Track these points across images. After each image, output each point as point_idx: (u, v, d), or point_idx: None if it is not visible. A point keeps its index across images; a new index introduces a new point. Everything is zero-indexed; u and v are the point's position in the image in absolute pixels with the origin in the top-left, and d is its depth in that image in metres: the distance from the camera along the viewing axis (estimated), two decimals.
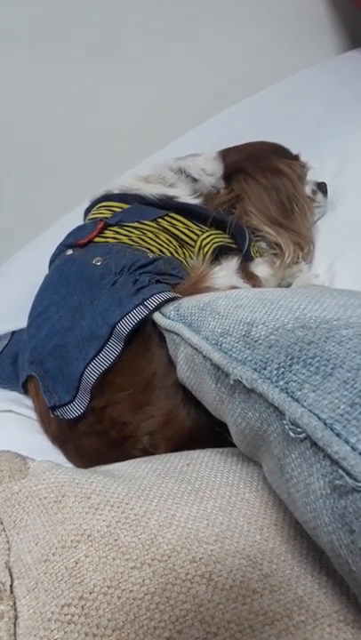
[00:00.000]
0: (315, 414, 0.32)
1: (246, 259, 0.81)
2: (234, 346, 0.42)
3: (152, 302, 0.57)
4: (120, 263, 0.67)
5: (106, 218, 0.79)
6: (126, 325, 0.57)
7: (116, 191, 0.87)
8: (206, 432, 0.57)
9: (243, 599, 0.36)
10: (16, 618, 0.37)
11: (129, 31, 1.24)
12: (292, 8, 1.43)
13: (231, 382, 0.40)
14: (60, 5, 1.13)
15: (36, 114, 1.18)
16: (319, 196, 0.95)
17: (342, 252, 0.86)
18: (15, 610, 0.37)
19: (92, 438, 0.59)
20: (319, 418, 0.32)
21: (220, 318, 0.47)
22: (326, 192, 0.96)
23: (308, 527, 0.35)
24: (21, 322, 0.81)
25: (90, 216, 0.85)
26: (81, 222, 0.88)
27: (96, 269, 0.67)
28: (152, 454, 0.57)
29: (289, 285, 0.85)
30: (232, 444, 0.50)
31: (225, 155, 0.92)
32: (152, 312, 0.57)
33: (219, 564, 0.37)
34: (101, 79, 1.24)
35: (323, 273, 0.84)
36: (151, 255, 0.71)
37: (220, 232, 0.82)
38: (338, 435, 0.30)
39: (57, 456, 0.65)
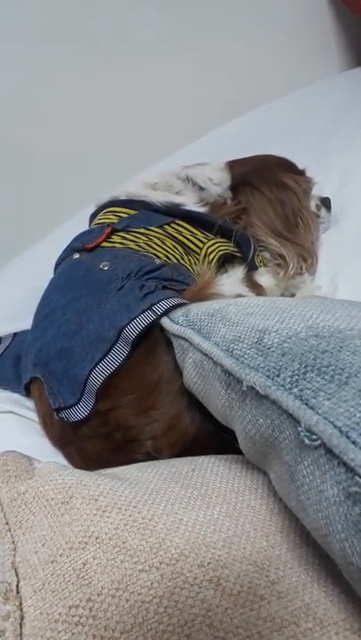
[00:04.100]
0: (330, 422, 0.32)
1: (251, 268, 0.82)
2: (246, 352, 0.43)
3: (160, 307, 0.58)
4: (127, 268, 0.67)
5: (113, 223, 0.80)
6: (134, 330, 0.57)
7: (123, 197, 0.87)
8: (210, 438, 0.57)
9: (250, 605, 0.36)
10: (22, 618, 0.36)
11: (138, 38, 1.25)
12: (298, 25, 1.46)
13: (244, 389, 0.41)
14: (66, 9, 1.14)
15: (46, 115, 1.19)
16: (323, 211, 0.96)
17: (345, 265, 0.87)
18: (21, 610, 0.37)
19: (96, 441, 0.59)
20: (335, 425, 0.32)
21: (230, 325, 0.48)
22: (330, 207, 0.97)
23: (319, 534, 0.35)
24: (24, 323, 0.81)
25: (96, 221, 0.85)
26: (86, 226, 0.88)
27: (103, 274, 0.67)
28: (155, 459, 0.57)
29: (292, 296, 0.86)
30: (235, 451, 0.51)
31: (232, 166, 0.94)
32: (159, 317, 0.58)
33: (226, 569, 0.38)
34: (108, 85, 1.25)
35: (325, 285, 0.85)
36: (158, 261, 0.72)
37: (226, 240, 0.83)
38: (354, 442, 0.31)
39: (57, 459, 0.65)
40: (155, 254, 0.74)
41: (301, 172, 0.97)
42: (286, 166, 0.96)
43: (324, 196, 0.98)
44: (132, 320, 0.58)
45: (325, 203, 0.97)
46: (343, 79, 1.48)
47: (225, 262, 0.80)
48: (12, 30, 1.10)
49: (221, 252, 0.80)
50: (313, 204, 0.95)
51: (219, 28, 1.35)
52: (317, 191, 0.98)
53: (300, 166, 0.98)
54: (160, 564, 0.37)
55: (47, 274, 0.80)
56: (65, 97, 1.20)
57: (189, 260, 0.78)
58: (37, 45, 1.14)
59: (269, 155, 0.98)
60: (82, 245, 0.76)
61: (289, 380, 0.37)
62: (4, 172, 1.18)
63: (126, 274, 0.66)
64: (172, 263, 0.74)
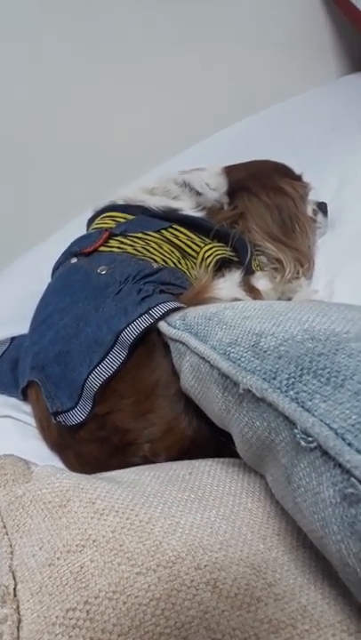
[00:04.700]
0: (326, 424, 0.33)
1: (247, 272, 0.82)
2: (243, 355, 0.43)
3: (157, 311, 0.58)
4: (125, 272, 0.68)
5: (110, 228, 0.80)
6: (131, 333, 0.58)
7: (121, 202, 0.88)
8: (207, 441, 0.57)
9: (247, 607, 0.36)
10: (19, 621, 0.36)
11: (137, 42, 1.26)
12: (296, 31, 1.47)
13: (240, 391, 0.41)
14: (66, 9, 1.14)
15: (44, 118, 1.19)
16: (320, 216, 0.97)
17: (341, 269, 0.87)
18: (19, 613, 0.37)
19: (93, 445, 0.59)
20: (330, 427, 0.32)
21: (227, 328, 0.48)
22: (327, 212, 0.98)
23: (315, 536, 0.35)
24: (21, 327, 0.81)
25: (94, 226, 0.86)
26: (84, 231, 0.89)
27: (101, 278, 0.68)
28: (152, 462, 0.57)
29: (289, 300, 0.86)
30: (232, 455, 0.51)
31: (229, 171, 0.94)
32: (157, 321, 0.58)
33: (223, 571, 0.38)
34: (107, 88, 1.26)
35: (322, 289, 0.85)
36: (155, 265, 0.72)
37: (223, 245, 0.83)
38: (349, 444, 0.31)
39: (54, 463, 0.65)
40: (152, 258, 0.74)
41: (298, 178, 0.97)
42: (283, 171, 0.96)
43: (321, 201, 0.99)
44: (130, 324, 0.58)
45: (322, 208, 0.97)
46: (340, 85, 1.50)
47: (222, 267, 0.80)
48: (11, 31, 1.10)
49: (218, 257, 0.80)
50: (310, 209, 0.95)
51: (217, 33, 1.36)
52: (314, 196, 0.99)
53: (297, 171, 0.98)
54: (157, 566, 0.38)
55: (45, 277, 0.80)
56: (65, 99, 1.21)
57: (186, 265, 0.79)
58: (37, 46, 1.14)
59: (267, 160, 0.98)
60: (80, 250, 0.76)
61: (285, 382, 0.37)
62: (3, 173, 1.19)
63: (124, 278, 0.67)
64: (170, 267, 0.74)
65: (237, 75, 1.42)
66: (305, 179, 0.98)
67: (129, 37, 1.25)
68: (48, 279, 0.79)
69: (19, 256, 1.15)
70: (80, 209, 1.07)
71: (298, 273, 0.86)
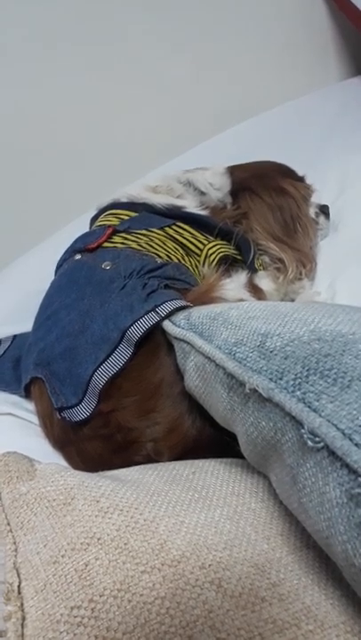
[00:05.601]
0: (333, 424, 0.33)
1: (250, 270, 0.83)
2: (248, 355, 0.43)
3: (164, 309, 0.58)
4: (129, 267, 0.68)
5: (114, 225, 0.80)
6: (137, 331, 0.58)
7: (124, 200, 0.88)
8: (210, 441, 0.57)
9: (252, 607, 0.36)
10: (24, 619, 0.36)
11: (139, 43, 1.26)
12: (298, 34, 1.47)
13: (246, 391, 0.41)
14: (66, 12, 1.14)
15: (45, 118, 1.19)
16: (321, 218, 0.97)
17: (343, 271, 0.87)
18: (23, 611, 0.37)
19: (96, 442, 0.59)
20: (338, 428, 0.32)
21: (232, 328, 0.48)
22: (328, 214, 0.98)
23: (320, 537, 0.35)
24: (23, 326, 0.81)
25: (97, 223, 0.86)
26: (85, 230, 0.88)
27: (105, 273, 0.68)
28: (155, 461, 0.57)
29: (292, 301, 0.86)
30: (236, 455, 0.51)
31: (233, 171, 0.94)
32: (163, 319, 0.58)
33: (228, 571, 0.38)
34: (107, 90, 1.26)
35: (324, 291, 0.86)
36: (159, 260, 0.72)
37: (226, 242, 0.84)
38: (356, 445, 0.31)
39: (57, 461, 0.65)
40: (156, 254, 0.74)
41: (301, 179, 0.98)
42: (286, 172, 0.96)
43: (323, 203, 0.99)
44: (136, 321, 0.58)
45: (324, 210, 0.97)
46: (341, 88, 1.50)
47: (229, 267, 0.80)
48: (12, 32, 1.10)
49: (222, 254, 0.81)
50: (312, 211, 0.95)
51: (219, 36, 1.36)
52: (316, 198, 0.99)
53: (300, 173, 0.99)
54: (162, 565, 0.38)
55: (47, 277, 0.80)
56: (66, 99, 1.21)
57: (190, 262, 0.79)
58: (37, 47, 1.14)
59: (269, 161, 0.98)
60: (83, 246, 0.76)
61: (292, 382, 0.38)
62: (4, 175, 1.19)
63: (128, 272, 0.67)
64: (174, 262, 0.74)
65: (239, 77, 1.43)
66: (307, 181, 0.98)
67: (130, 39, 1.25)
68: (49, 279, 0.79)
69: (19, 256, 1.15)
70: (81, 209, 1.07)
71: (300, 273, 0.87)
